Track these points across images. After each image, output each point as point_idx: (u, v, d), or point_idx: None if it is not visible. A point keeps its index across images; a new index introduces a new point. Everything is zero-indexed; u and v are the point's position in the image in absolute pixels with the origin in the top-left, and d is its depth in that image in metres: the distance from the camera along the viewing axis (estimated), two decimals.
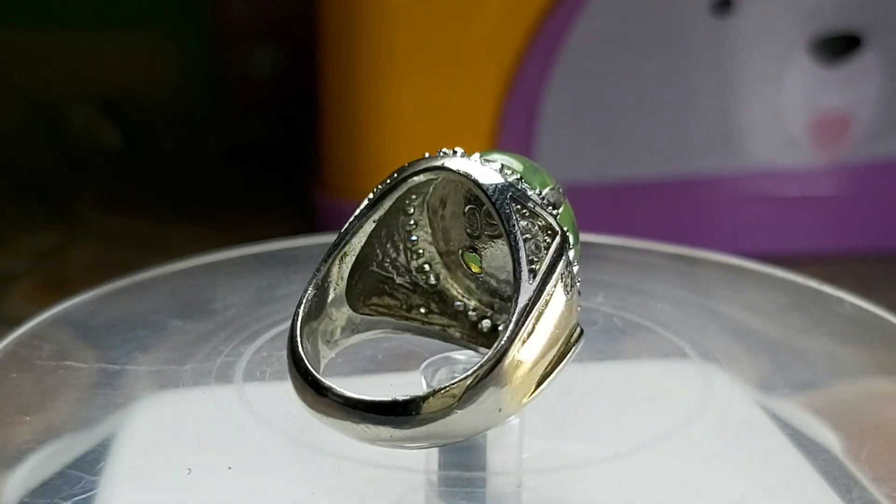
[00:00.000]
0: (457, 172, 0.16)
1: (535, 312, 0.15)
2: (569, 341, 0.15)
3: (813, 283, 0.23)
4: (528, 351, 0.15)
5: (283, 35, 0.46)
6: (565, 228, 0.15)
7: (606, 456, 0.17)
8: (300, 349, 0.15)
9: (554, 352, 0.15)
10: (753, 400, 0.19)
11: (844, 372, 0.20)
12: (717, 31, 0.35)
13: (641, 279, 0.24)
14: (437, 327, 0.18)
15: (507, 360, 0.14)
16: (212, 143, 0.47)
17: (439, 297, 0.18)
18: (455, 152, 0.16)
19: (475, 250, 0.17)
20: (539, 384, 0.15)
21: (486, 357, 0.14)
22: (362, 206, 0.17)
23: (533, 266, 0.15)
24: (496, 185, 0.15)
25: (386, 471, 0.17)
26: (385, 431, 0.14)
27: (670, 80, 0.35)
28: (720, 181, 0.36)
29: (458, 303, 0.18)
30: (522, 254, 0.15)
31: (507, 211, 0.15)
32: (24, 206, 0.42)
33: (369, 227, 0.17)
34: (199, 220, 0.40)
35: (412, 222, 0.17)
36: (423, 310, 0.18)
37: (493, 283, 0.17)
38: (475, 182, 0.15)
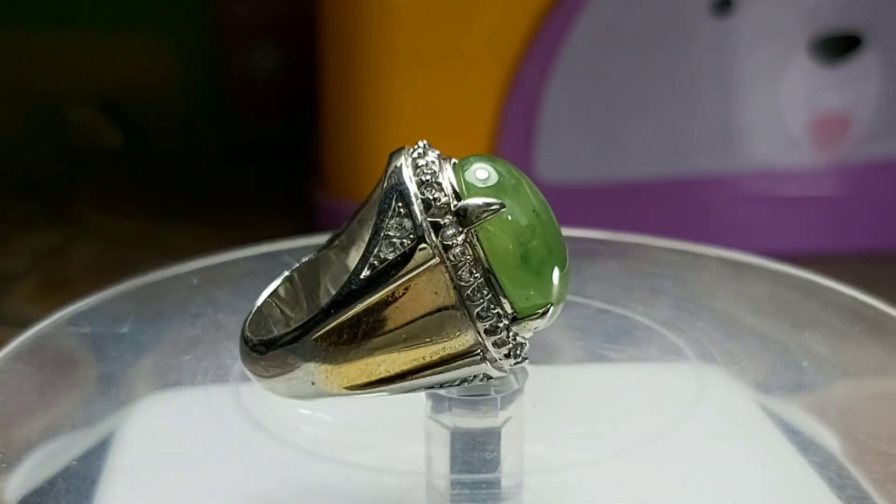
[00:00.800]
0: (387, 164, 0.16)
1: (362, 304, 0.14)
2: (456, 359, 0.15)
3: (812, 276, 0.23)
4: (349, 339, 0.14)
5: (284, 35, 0.46)
6: (458, 241, 0.14)
7: (606, 456, 0.17)
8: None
9: (408, 358, 0.15)
10: (752, 400, 0.19)
11: (844, 371, 0.20)
12: (717, 31, 0.35)
13: (640, 278, 0.24)
14: None
15: (313, 337, 0.15)
16: (212, 143, 0.47)
17: None
18: (415, 148, 0.16)
19: None
20: (381, 382, 0.15)
21: (293, 328, 0.15)
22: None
23: (376, 262, 0.15)
24: (395, 182, 0.15)
25: (384, 474, 0.17)
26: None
27: (670, 80, 0.35)
28: (720, 181, 0.36)
29: None
30: (374, 246, 0.15)
31: (384, 206, 0.15)
32: (24, 206, 0.42)
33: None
34: (199, 220, 0.40)
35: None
36: None
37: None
38: (385, 173, 0.15)
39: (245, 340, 0.16)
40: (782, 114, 0.36)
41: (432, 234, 0.14)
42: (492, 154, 0.34)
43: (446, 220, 0.15)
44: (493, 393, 0.16)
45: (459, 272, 0.14)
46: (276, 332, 0.16)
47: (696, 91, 0.35)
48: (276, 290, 0.17)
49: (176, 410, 0.19)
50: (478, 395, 0.16)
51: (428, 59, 0.34)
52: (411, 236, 0.15)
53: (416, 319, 0.15)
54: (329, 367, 0.15)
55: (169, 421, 0.18)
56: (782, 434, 0.18)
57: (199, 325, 0.21)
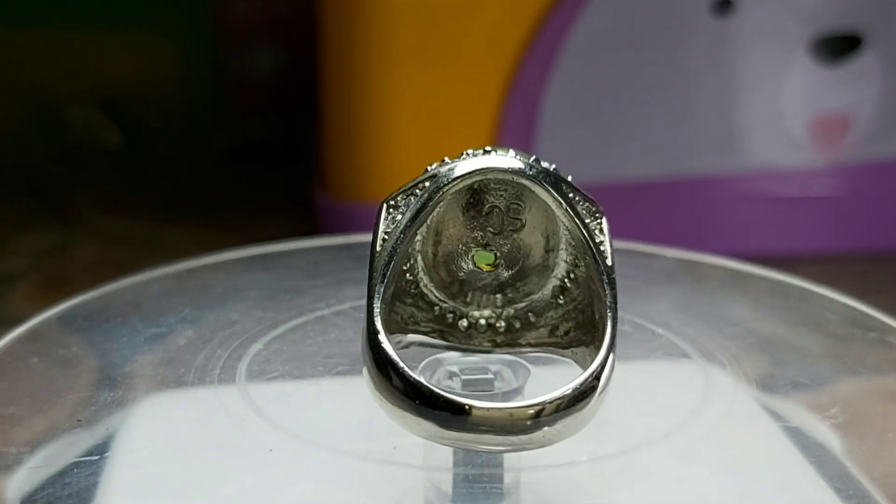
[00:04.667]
0: (508, 171, 0.16)
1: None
2: None
3: (810, 286, 0.23)
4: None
5: (284, 35, 0.46)
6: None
7: (607, 456, 0.17)
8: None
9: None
10: (754, 400, 0.19)
11: (844, 372, 0.20)
12: (717, 31, 0.35)
13: (642, 280, 0.24)
14: (419, 333, 0.18)
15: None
16: (212, 144, 0.47)
17: (423, 301, 0.18)
18: (474, 154, 0.16)
19: (486, 247, 0.17)
20: None
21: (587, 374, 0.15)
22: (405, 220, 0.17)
23: (601, 248, 0.16)
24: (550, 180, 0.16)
25: (386, 468, 0.17)
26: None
27: (671, 80, 0.35)
28: (720, 181, 0.36)
29: (436, 306, 0.18)
30: (589, 238, 0.16)
31: (567, 205, 0.16)
32: (24, 206, 0.42)
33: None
34: (200, 220, 0.40)
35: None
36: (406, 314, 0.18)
37: (504, 275, 0.17)
38: (528, 175, 0.16)
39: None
40: (782, 114, 0.36)
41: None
42: None
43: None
44: (494, 389, 0.16)
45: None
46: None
47: (697, 91, 0.35)
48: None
49: (177, 410, 0.19)
50: (480, 391, 0.16)
51: (428, 59, 0.34)
52: (597, 212, 0.17)
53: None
54: None
55: (170, 421, 0.18)
56: (783, 434, 0.18)
57: (200, 324, 0.21)
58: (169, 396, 0.19)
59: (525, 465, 0.17)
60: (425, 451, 0.17)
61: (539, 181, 0.16)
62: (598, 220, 0.16)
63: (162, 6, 0.47)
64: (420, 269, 0.17)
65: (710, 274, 0.25)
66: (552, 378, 0.19)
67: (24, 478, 0.17)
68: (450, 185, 0.16)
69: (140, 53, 0.47)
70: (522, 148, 0.35)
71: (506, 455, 0.16)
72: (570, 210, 0.16)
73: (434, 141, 0.34)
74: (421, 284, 0.17)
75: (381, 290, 0.16)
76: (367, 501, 0.16)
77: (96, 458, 0.17)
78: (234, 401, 0.18)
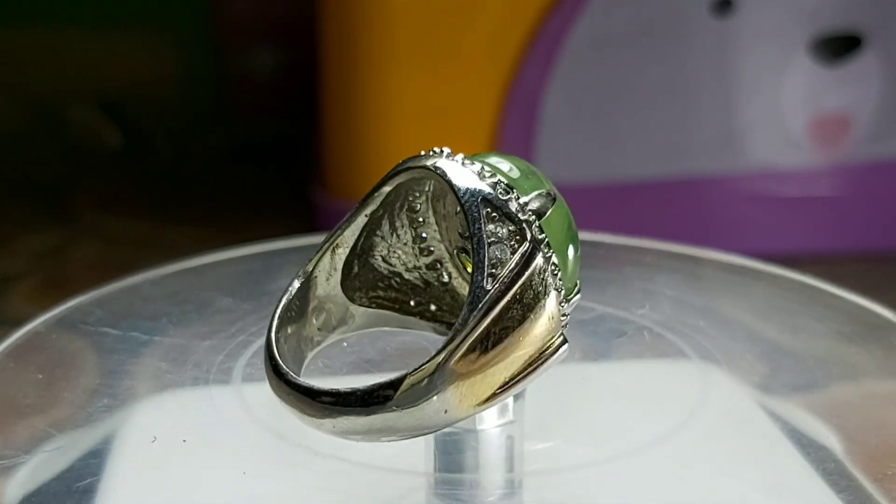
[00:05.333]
0: (434, 171, 0.16)
1: (491, 317, 0.14)
2: (545, 351, 0.15)
3: (813, 281, 0.23)
4: (481, 356, 0.14)
5: (284, 35, 0.46)
6: (543, 235, 0.15)
7: (607, 456, 0.17)
8: (272, 336, 0.16)
9: (520, 360, 0.15)
10: (753, 400, 0.19)
11: (844, 372, 0.20)
12: (717, 31, 0.35)
13: (641, 279, 0.24)
14: (446, 325, 0.18)
15: (453, 362, 0.14)
16: (212, 143, 0.47)
17: (450, 296, 0.18)
18: (442, 152, 0.16)
19: (467, 252, 0.17)
20: (500, 391, 0.15)
21: (429, 358, 0.14)
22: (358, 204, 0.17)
23: (494, 270, 0.14)
24: (468, 187, 0.15)
25: (385, 473, 0.17)
26: (329, 422, 0.14)
27: (671, 81, 0.35)
28: (720, 181, 0.36)
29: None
30: (484, 256, 0.15)
31: (475, 214, 0.15)
32: (24, 206, 0.42)
33: (361, 220, 0.17)
34: (200, 220, 0.40)
35: (420, 219, 0.18)
36: (433, 307, 0.18)
37: None
38: (448, 182, 0.15)
39: (329, 394, 0.15)
40: (782, 114, 0.36)
41: (534, 231, 0.15)
42: None
43: (528, 217, 0.15)
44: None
45: (552, 261, 0.15)
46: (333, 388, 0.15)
47: (697, 91, 0.35)
48: (281, 329, 0.17)
49: (176, 410, 0.19)
50: None
51: (428, 59, 0.34)
52: (518, 238, 0.15)
53: (528, 317, 0.15)
54: (464, 388, 0.14)
55: (169, 421, 0.18)
56: (783, 434, 0.18)
57: (199, 324, 0.21)
58: (168, 397, 0.19)
59: (526, 468, 0.17)
60: (423, 456, 0.17)
61: (455, 191, 0.15)
62: (517, 246, 0.15)
63: (162, 6, 0.47)
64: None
65: (710, 270, 0.25)
66: (553, 378, 0.19)
67: (23, 478, 0.17)
68: (388, 178, 0.16)
69: (140, 53, 0.47)
70: (522, 148, 0.35)
71: (506, 455, 0.16)
72: (471, 227, 0.15)
73: (434, 141, 0.34)
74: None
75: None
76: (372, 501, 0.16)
77: (95, 458, 0.17)
78: (230, 402, 0.18)
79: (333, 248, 0.17)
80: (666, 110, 0.36)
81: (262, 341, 0.20)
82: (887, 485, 0.17)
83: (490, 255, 0.15)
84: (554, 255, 0.15)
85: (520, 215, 0.15)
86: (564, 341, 0.15)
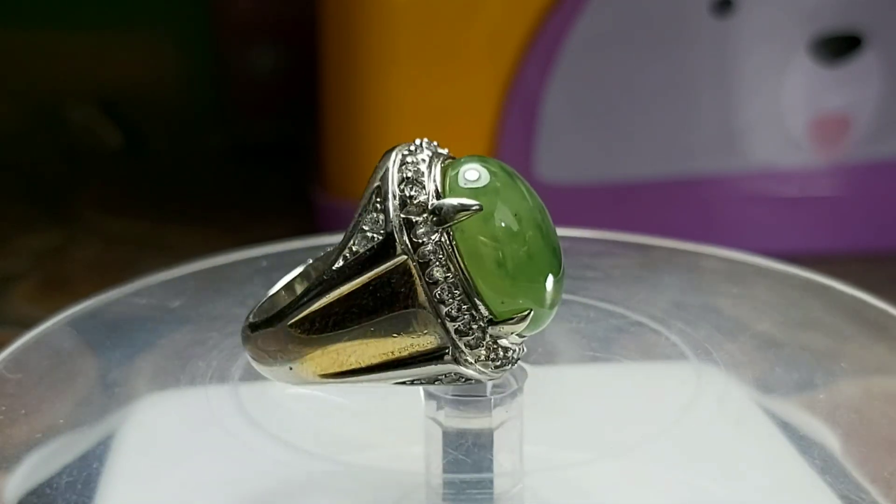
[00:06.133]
0: (380, 161, 0.16)
1: (329, 296, 0.15)
2: (422, 357, 0.15)
3: (813, 276, 0.23)
4: (321, 330, 0.15)
5: (284, 35, 0.46)
6: (424, 241, 0.14)
7: (605, 456, 0.17)
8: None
9: (377, 351, 0.15)
10: (752, 399, 0.19)
11: (844, 371, 0.20)
12: (717, 31, 0.35)
13: (640, 276, 0.24)
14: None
15: (288, 323, 0.15)
16: (212, 143, 0.47)
17: None
18: (410, 145, 0.16)
19: None
20: (352, 373, 0.15)
21: (278, 312, 0.15)
22: None
23: (347, 255, 0.15)
24: (377, 176, 0.15)
25: (382, 473, 0.17)
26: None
27: (671, 81, 0.35)
28: (720, 181, 0.36)
29: None
30: (347, 240, 0.15)
31: (365, 201, 0.15)
32: (24, 206, 0.42)
33: None
34: (200, 220, 0.40)
35: None
36: None
37: None
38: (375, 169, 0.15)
39: (246, 321, 0.16)
40: (782, 114, 0.36)
41: (404, 231, 0.14)
42: (492, 154, 0.34)
43: (420, 219, 0.15)
44: (489, 394, 0.16)
45: (429, 270, 0.14)
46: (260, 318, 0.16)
47: (697, 91, 0.35)
48: (289, 282, 0.18)
49: (176, 411, 0.19)
50: (477, 395, 0.16)
51: (428, 59, 0.34)
52: (383, 231, 0.15)
53: (385, 314, 0.15)
54: (303, 354, 0.15)
55: (169, 421, 0.18)
56: (782, 434, 0.18)
57: (199, 325, 0.21)
58: (167, 397, 0.19)
59: (525, 467, 0.17)
60: (421, 457, 0.17)
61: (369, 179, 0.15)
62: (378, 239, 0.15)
63: (162, 6, 0.47)
64: None
65: (709, 267, 0.25)
66: (552, 378, 0.19)
67: (23, 478, 0.17)
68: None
69: (140, 53, 0.47)
70: (522, 148, 0.35)
71: (505, 455, 0.16)
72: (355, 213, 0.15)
73: (434, 141, 0.34)
74: None
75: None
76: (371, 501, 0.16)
77: (95, 458, 0.17)
78: (228, 404, 0.18)
79: None
80: (666, 110, 0.35)
81: None
82: (887, 485, 0.17)
83: (354, 240, 0.15)
84: (453, 268, 0.14)
85: (404, 215, 0.15)
86: (448, 354, 0.15)
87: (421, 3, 0.34)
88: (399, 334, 0.15)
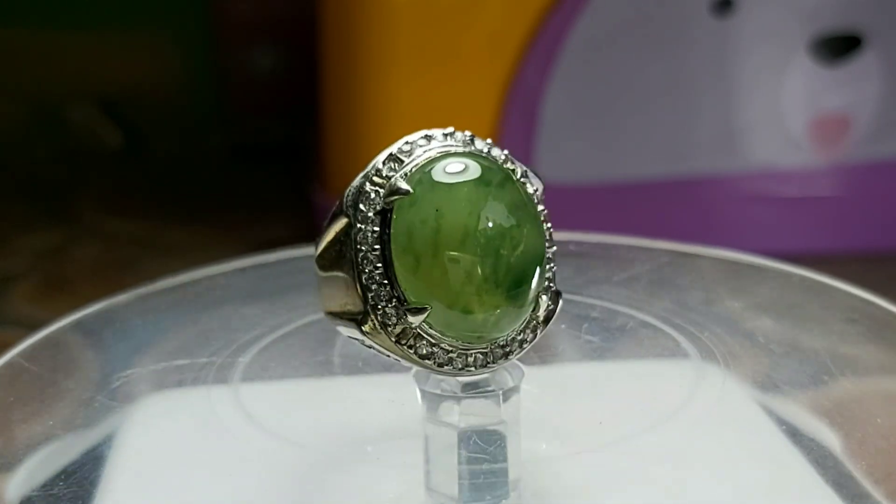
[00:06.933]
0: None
1: (318, 248, 0.16)
2: (348, 314, 0.16)
3: (813, 275, 0.23)
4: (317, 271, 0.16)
5: (284, 36, 0.46)
6: (362, 207, 0.15)
7: (604, 454, 0.17)
8: None
9: (330, 302, 0.16)
10: (753, 398, 0.19)
11: (845, 371, 0.20)
12: (717, 31, 0.35)
13: (642, 276, 0.24)
14: None
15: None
16: (212, 144, 0.47)
17: None
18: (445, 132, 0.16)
19: None
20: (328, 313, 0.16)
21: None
22: None
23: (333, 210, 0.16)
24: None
25: (383, 471, 0.17)
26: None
27: (671, 81, 0.35)
28: (720, 181, 0.36)
29: None
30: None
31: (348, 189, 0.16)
32: (24, 206, 0.42)
33: None
34: (200, 220, 0.40)
35: None
36: None
37: None
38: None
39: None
40: (782, 114, 0.36)
41: (358, 197, 0.15)
42: None
43: (373, 190, 0.15)
44: (491, 389, 0.16)
45: (359, 237, 0.15)
46: None
47: (697, 91, 0.35)
48: None
49: (176, 411, 0.19)
50: (476, 392, 0.16)
51: (428, 59, 0.34)
52: (345, 199, 0.15)
53: (333, 270, 0.16)
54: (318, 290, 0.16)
55: (169, 421, 0.18)
56: (782, 433, 0.18)
57: (199, 326, 0.21)
58: (167, 397, 0.19)
59: (523, 464, 0.17)
60: (421, 455, 0.17)
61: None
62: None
63: (162, 6, 0.47)
64: None
65: (710, 267, 0.25)
66: (552, 376, 0.19)
67: (23, 478, 0.17)
68: None
69: (140, 53, 0.47)
70: (522, 148, 0.35)
71: (502, 452, 0.16)
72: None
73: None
74: None
75: None
76: (371, 501, 0.16)
77: (95, 458, 0.17)
78: (229, 403, 0.18)
79: None
80: (666, 110, 0.36)
81: (262, 345, 0.20)
82: (888, 484, 0.17)
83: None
84: (379, 244, 0.15)
85: (366, 184, 0.15)
86: (367, 323, 0.15)
87: (421, 3, 0.34)
88: (340, 291, 0.16)
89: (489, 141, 0.16)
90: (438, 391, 0.16)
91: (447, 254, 0.15)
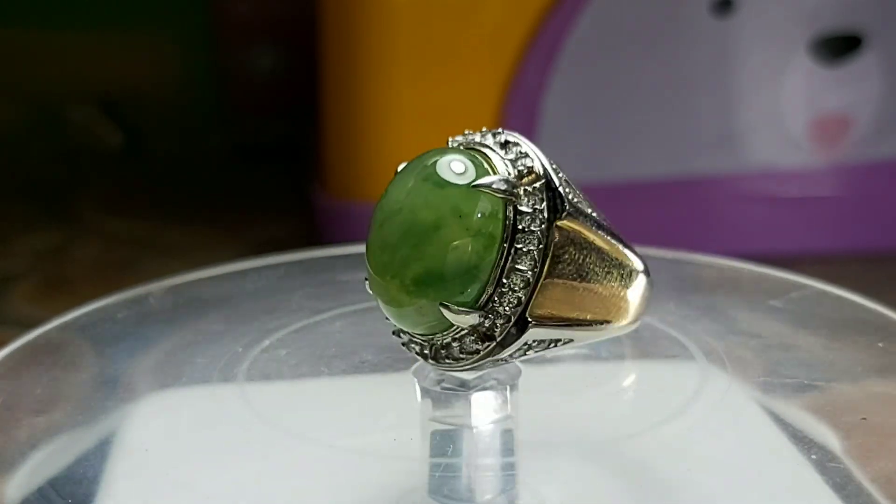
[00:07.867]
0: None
1: None
2: None
3: (813, 283, 0.23)
4: None
5: (284, 35, 0.46)
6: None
7: (604, 454, 0.17)
8: None
9: None
10: (754, 400, 0.19)
11: (845, 372, 0.20)
12: (717, 31, 0.35)
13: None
14: None
15: None
16: (212, 144, 0.47)
17: None
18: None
19: None
20: None
21: None
22: None
23: None
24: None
25: (388, 461, 0.17)
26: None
27: (671, 80, 0.35)
28: (720, 181, 0.36)
29: None
30: None
31: None
32: (24, 206, 0.42)
33: None
34: (200, 221, 0.40)
35: None
36: None
37: None
38: None
39: None
40: (782, 114, 0.36)
41: None
42: None
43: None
44: (494, 386, 0.16)
45: None
46: None
47: (697, 91, 0.35)
48: None
49: (177, 409, 0.19)
50: (475, 388, 0.16)
51: (428, 59, 0.34)
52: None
53: None
54: None
55: (170, 420, 0.18)
56: (784, 434, 0.18)
57: (201, 325, 0.21)
58: (168, 396, 0.19)
59: (521, 462, 0.17)
60: (421, 450, 0.17)
61: None
62: None
63: (162, 6, 0.47)
64: None
65: (711, 273, 0.25)
66: (552, 375, 0.19)
67: (23, 478, 0.17)
68: None
69: (140, 53, 0.47)
70: None
71: (502, 447, 0.16)
72: None
73: (434, 141, 0.34)
74: None
75: None
76: (372, 498, 0.16)
77: (95, 458, 0.17)
78: (233, 401, 0.18)
79: None
80: (666, 110, 0.36)
81: (264, 344, 0.20)
82: (888, 485, 0.17)
83: None
84: None
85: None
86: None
87: (421, 3, 0.34)
88: None
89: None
90: (438, 388, 0.16)
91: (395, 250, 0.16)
